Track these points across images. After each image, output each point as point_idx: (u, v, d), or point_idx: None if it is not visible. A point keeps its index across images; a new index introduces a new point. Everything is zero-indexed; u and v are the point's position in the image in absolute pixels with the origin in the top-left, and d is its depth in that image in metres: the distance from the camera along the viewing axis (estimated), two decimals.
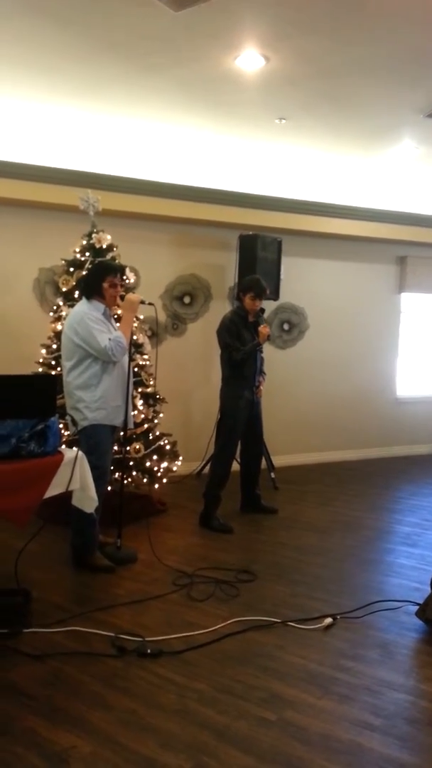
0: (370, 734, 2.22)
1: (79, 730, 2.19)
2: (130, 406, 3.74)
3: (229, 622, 2.98)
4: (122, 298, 3.77)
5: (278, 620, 3.02)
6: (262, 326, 4.42)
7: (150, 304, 3.77)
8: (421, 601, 3.08)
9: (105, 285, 3.56)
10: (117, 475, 4.06)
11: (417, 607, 3.08)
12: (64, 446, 3.30)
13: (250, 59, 3.39)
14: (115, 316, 3.93)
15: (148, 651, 2.69)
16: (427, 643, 2.88)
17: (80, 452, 3.10)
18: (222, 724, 2.24)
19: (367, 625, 3.02)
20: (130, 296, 3.73)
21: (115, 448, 4.02)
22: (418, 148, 4.83)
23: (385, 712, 2.34)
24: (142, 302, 3.72)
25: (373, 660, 2.71)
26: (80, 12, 2.93)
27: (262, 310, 4.56)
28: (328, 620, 3.02)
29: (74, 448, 3.22)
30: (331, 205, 6.18)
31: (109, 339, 3.45)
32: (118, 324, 3.69)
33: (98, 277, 3.59)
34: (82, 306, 3.58)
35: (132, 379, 3.76)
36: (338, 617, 3.06)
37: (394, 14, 2.91)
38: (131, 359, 4.34)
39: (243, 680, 2.52)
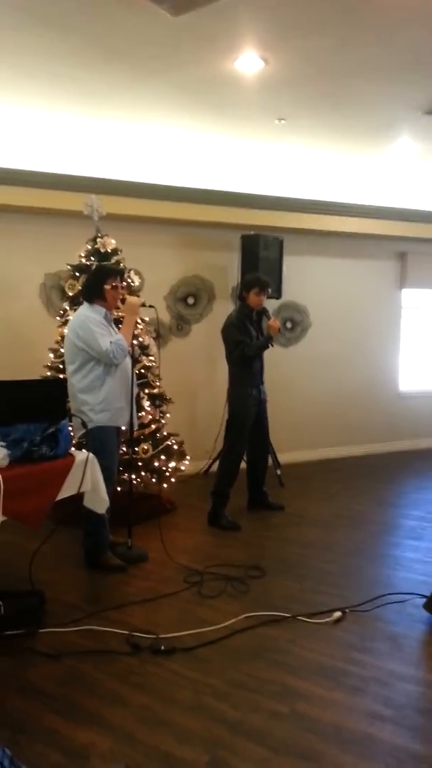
0: (382, 725, 2.27)
1: (98, 727, 2.24)
2: (134, 407, 3.78)
3: (240, 617, 3.04)
4: (123, 301, 3.82)
5: (288, 615, 3.08)
6: (272, 320, 4.46)
7: (151, 306, 3.82)
8: (428, 594, 3.12)
9: (107, 287, 3.61)
10: (126, 475, 4.11)
11: (424, 600, 3.12)
12: (74, 449, 3.36)
13: (249, 61, 3.43)
14: (117, 318, 3.98)
15: (162, 648, 2.75)
16: None
17: (91, 454, 3.16)
18: (236, 718, 2.30)
19: (376, 618, 3.08)
20: (130, 299, 3.78)
21: (123, 449, 4.07)
22: (417, 144, 4.86)
23: (395, 703, 2.39)
24: (143, 305, 3.77)
25: (383, 652, 2.77)
26: (82, 20, 2.97)
27: (265, 310, 4.61)
28: (338, 614, 3.07)
29: (84, 450, 3.27)
30: (332, 203, 6.21)
31: (111, 342, 3.50)
32: (120, 326, 3.74)
33: (100, 280, 3.64)
34: (84, 310, 3.64)
35: (135, 381, 3.80)
36: (347, 611, 3.12)
37: (391, 14, 2.95)
38: (137, 361, 4.40)
39: (255, 674, 2.58)
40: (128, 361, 3.70)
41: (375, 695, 2.45)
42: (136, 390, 3.88)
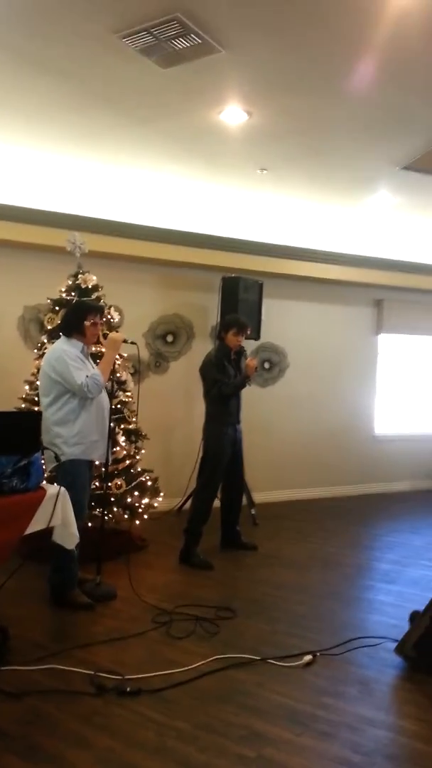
0: None
1: None
2: (110, 442, 3.77)
3: (209, 659, 2.98)
4: (105, 336, 3.85)
5: (258, 658, 3.02)
6: (249, 359, 4.52)
7: (132, 342, 3.86)
8: (399, 638, 3.10)
9: (87, 324, 3.64)
10: (97, 511, 4.07)
11: (396, 644, 3.10)
12: (45, 482, 3.32)
13: (233, 114, 3.59)
14: (97, 352, 4.01)
15: (128, 689, 2.67)
16: (406, 679, 2.90)
17: (62, 488, 3.12)
18: (201, 762, 2.23)
19: (347, 662, 3.04)
20: (113, 335, 3.81)
21: (96, 483, 4.04)
22: (395, 198, 5.07)
23: (364, 749, 2.35)
24: (125, 341, 3.81)
25: (353, 696, 2.73)
26: (77, 67, 3.11)
27: (243, 349, 4.68)
28: (308, 657, 3.02)
29: (55, 484, 3.24)
30: (311, 250, 6.39)
31: (86, 376, 3.51)
32: (98, 361, 3.77)
33: (80, 316, 3.66)
34: (61, 343, 3.65)
35: (111, 416, 3.80)
36: (318, 654, 3.07)
37: (370, 75, 3.13)
38: (114, 396, 4.42)
39: (223, 718, 2.52)
40: (105, 395, 3.71)
41: (344, 741, 2.40)
42: (111, 425, 3.88)
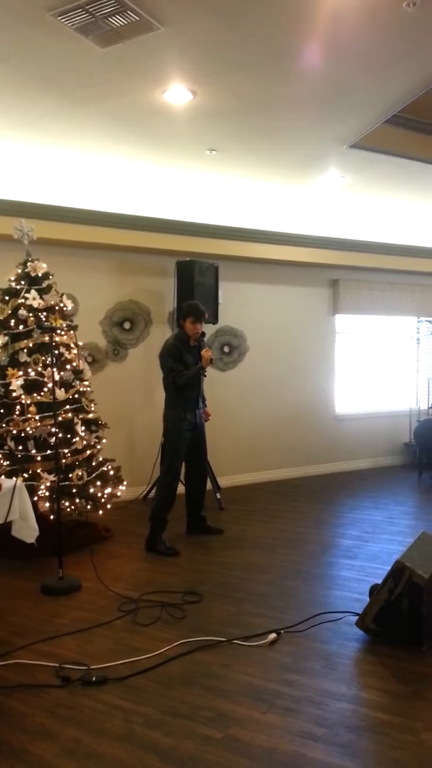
0: (314, 744, 2.27)
1: (23, 764, 2.15)
2: None
3: (175, 644, 2.99)
4: None
5: (223, 639, 3.05)
6: (204, 350, 4.49)
7: None
8: (360, 612, 3.17)
9: None
10: (54, 503, 4.01)
11: (357, 618, 3.17)
12: (3, 476, 3.26)
13: (177, 93, 3.52)
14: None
15: (93, 679, 2.67)
16: (367, 651, 2.97)
17: (19, 481, 3.08)
18: (168, 746, 2.25)
19: (310, 638, 3.09)
20: None
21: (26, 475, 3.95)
22: (343, 177, 5.08)
23: (327, 722, 2.40)
24: None
25: (316, 672, 2.78)
26: (13, 48, 3.00)
27: (203, 334, 4.65)
28: (273, 636, 3.07)
29: (13, 478, 3.19)
30: (265, 231, 6.38)
31: None
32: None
33: None
34: None
35: None
36: (282, 632, 3.12)
37: (315, 52, 3.10)
38: (71, 386, 4.37)
39: (189, 701, 2.54)
40: None
41: (308, 715, 2.45)
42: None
